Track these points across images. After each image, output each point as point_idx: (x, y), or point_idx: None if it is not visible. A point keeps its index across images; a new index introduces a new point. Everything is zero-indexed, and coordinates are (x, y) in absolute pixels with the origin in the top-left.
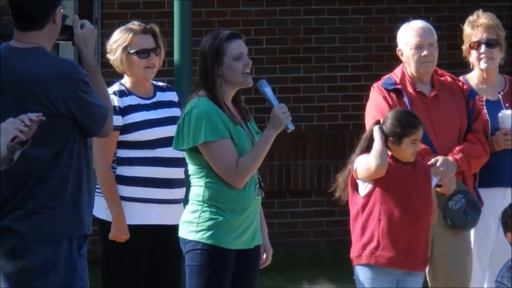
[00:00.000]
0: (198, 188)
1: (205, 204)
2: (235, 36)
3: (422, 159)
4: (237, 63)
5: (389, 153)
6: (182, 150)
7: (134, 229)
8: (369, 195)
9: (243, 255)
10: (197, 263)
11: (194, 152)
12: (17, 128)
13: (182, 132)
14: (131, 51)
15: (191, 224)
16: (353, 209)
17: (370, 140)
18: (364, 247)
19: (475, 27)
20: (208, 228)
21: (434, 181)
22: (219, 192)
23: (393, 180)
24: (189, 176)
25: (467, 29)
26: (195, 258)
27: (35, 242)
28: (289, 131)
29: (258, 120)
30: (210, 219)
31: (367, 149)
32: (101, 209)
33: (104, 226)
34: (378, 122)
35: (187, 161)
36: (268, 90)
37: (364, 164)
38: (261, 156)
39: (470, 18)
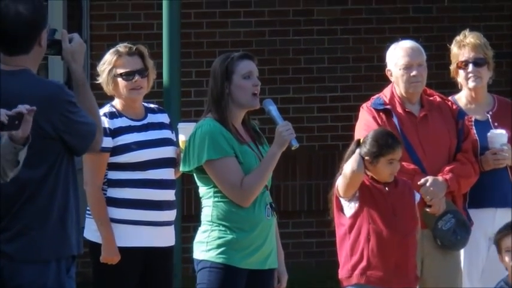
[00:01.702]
0: (207, 208)
1: (214, 224)
2: (247, 56)
3: (412, 179)
4: (245, 82)
5: (369, 174)
6: (190, 172)
7: (125, 251)
8: (355, 215)
9: (255, 275)
10: (206, 281)
11: (201, 172)
12: None
13: (188, 154)
14: (116, 74)
15: (202, 243)
16: (340, 230)
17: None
18: (354, 267)
19: (462, 47)
20: (218, 247)
21: (417, 196)
22: (227, 211)
23: (378, 199)
24: (200, 198)
25: (454, 48)
26: (204, 276)
27: (23, 262)
28: (293, 148)
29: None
30: (219, 237)
31: None
32: (91, 231)
33: (94, 248)
34: (358, 142)
35: (197, 183)
36: (273, 109)
37: (341, 176)
38: (266, 174)
39: (457, 38)
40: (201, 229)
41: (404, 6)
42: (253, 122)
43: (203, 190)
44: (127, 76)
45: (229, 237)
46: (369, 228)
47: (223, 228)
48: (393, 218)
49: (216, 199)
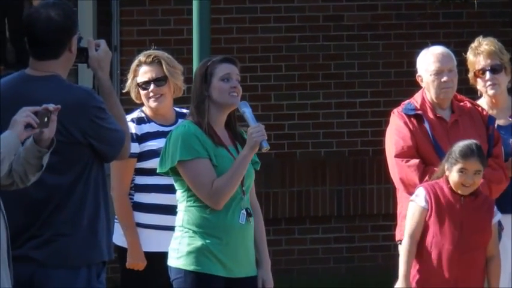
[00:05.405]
0: (180, 213)
1: (185, 229)
2: (227, 60)
3: None
4: (223, 84)
5: (450, 183)
6: (166, 174)
7: (150, 256)
8: (426, 224)
9: (234, 283)
10: None
11: (176, 174)
12: (27, 115)
13: (164, 155)
14: (136, 83)
15: (174, 250)
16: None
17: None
18: (413, 279)
19: (477, 55)
20: (188, 254)
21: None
22: (198, 217)
23: (449, 211)
24: None
25: (470, 56)
26: (180, 285)
27: (53, 268)
28: (264, 150)
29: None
30: (189, 244)
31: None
32: (119, 236)
33: (122, 253)
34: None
35: (175, 186)
36: (247, 111)
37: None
38: (237, 177)
39: (472, 45)
40: (174, 235)
41: (434, 12)
42: (241, 129)
43: (179, 194)
44: (144, 86)
45: (199, 243)
46: (432, 241)
47: (193, 234)
48: (460, 232)
49: (189, 203)
